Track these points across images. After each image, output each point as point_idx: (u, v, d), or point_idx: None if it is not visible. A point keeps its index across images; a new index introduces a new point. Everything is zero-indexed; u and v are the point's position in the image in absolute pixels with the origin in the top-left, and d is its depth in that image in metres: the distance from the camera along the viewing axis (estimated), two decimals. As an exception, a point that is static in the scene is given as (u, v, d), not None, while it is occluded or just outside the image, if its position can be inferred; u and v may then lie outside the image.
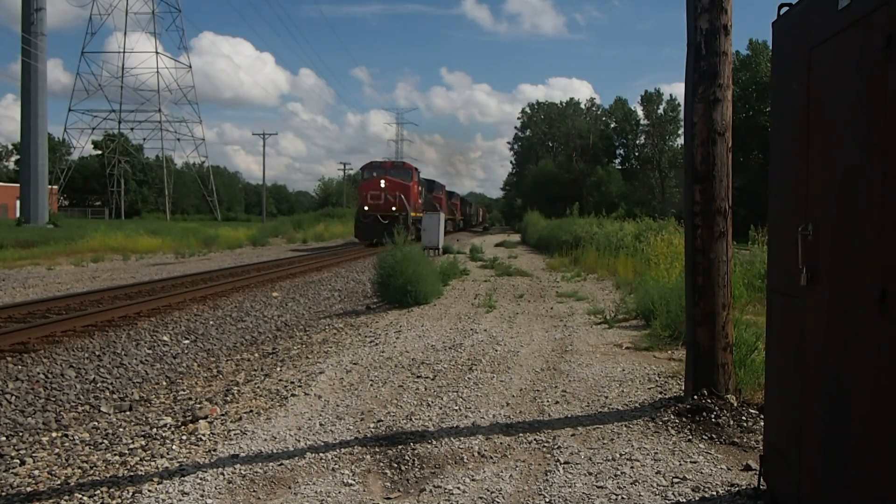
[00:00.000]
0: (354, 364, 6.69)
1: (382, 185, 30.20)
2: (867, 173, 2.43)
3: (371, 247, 28.50)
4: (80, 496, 3.76)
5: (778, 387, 3.35)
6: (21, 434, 5.16)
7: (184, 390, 6.51)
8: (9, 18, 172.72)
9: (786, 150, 3.31)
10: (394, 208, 29.84)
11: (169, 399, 6.19)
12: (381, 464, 4.03)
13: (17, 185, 50.10)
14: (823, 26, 2.78)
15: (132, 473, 4.06)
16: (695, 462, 3.93)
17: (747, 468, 3.81)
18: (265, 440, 4.45)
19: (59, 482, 4.09)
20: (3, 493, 3.95)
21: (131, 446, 4.67)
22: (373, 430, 4.64)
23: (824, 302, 2.76)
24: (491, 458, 4.09)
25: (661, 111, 73.05)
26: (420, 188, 34.91)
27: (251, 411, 5.20)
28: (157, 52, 79.32)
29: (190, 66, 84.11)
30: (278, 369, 6.90)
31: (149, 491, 3.66)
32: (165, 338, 8.69)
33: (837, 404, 2.62)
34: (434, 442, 4.37)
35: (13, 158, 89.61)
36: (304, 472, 3.90)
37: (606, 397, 5.36)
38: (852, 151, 2.56)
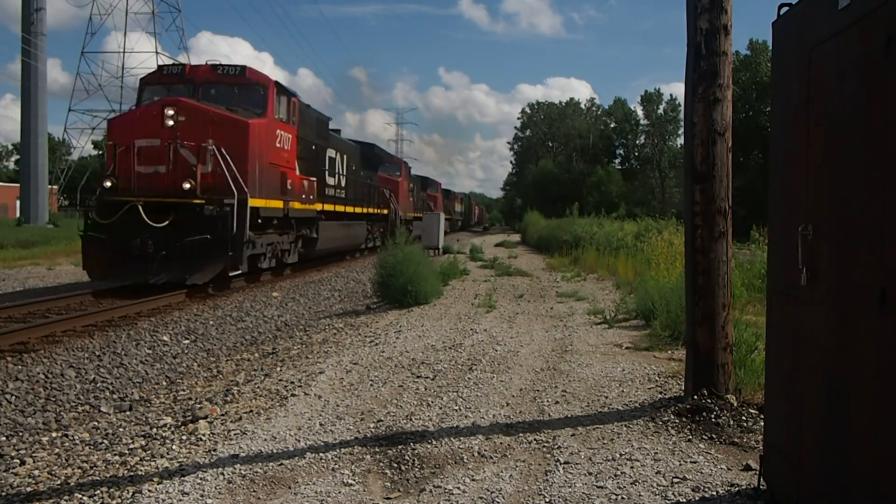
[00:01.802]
0: (354, 364, 6.68)
1: (170, 122, 11.78)
2: (867, 173, 2.43)
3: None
4: (80, 496, 3.76)
5: (778, 387, 3.35)
6: (21, 434, 5.16)
7: (184, 390, 6.50)
8: (8, 18, 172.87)
9: (786, 150, 3.31)
10: (188, 185, 11.57)
11: (169, 399, 6.18)
12: (381, 464, 4.03)
13: (17, 185, 50.11)
14: (823, 26, 2.78)
15: (132, 473, 4.06)
16: (695, 462, 3.93)
17: (747, 468, 3.81)
18: (265, 440, 4.45)
19: (59, 482, 4.09)
20: (3, 493, 3.95)
21: (131, 446, 4.67)
22: (373, 430, 4.64)
23: (824, 302, 2.76)
24: (491, 458, 4.09)
25: (661, 111, 73.12)
26: (333, 153, 18.49)
27: (251, 411, 5.20)
28: (156, 52, 79.12)
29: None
30: (278, 369, 6.90)
31: (149, 491, 3.66)
32: (165, 338, 8.69)
33: (837, 404, 2.62)
34: (434, 442, 4.37)
35: (13, 158, 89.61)
36: (304, 471, 3.90)
37: (606, 397, 5.36)
38: (852, 151, 2.56)
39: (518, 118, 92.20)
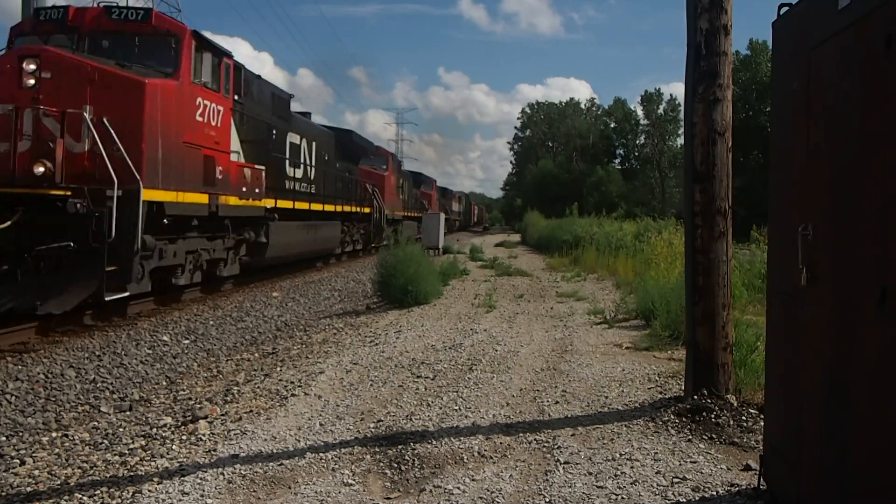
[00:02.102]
0: (354, 364, 6.69)
1: (31, 80, 8.16)
2: (867, 173, 2.43)
3: None
4: (80, 496, 3.76)
5: (778, 387, 3.35)
6: (21, 434, 5.16)
7: (184, 390, 6.50)
8: (8, 18, 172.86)
9: (786, 150, 3.31)
10: (41, 170, 7.94)
11: (169, 399, 6.18)
12: (381, 464, 4.03)
13: (17, 185, 49.96)
14: (823, 26, 2.79)
15: (132, 473, 4.06)
16: (695, 462, 3.94)
17: (747, 468, 3.81)
18: (265, 440, 4.45)
19: (59, 482, 4.09)
20: (3, 493, 3.95)
21: (131, 446, 4.66)
22: (373, 430, 4.64)
23: (824, 302, 2.76)
24: (491, 458, 4.09)
25: (661, 111, 73.11)
26: (296, 138, 15.33)
27: (251, 411, 5.20)
28: (156, 52, 78.94)
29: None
30: (278, 369, 6.90)
31: (149, 491, 3.66)
32: (165, 338, 8.68)
33: (837, 404, 2.62)
34: (434, 442, 4.37)
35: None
36: (304, 472, 3.90)
37: (606, 397, 5.36)
38: (852, 151, 2.56)
39: (518, 118, 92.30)
